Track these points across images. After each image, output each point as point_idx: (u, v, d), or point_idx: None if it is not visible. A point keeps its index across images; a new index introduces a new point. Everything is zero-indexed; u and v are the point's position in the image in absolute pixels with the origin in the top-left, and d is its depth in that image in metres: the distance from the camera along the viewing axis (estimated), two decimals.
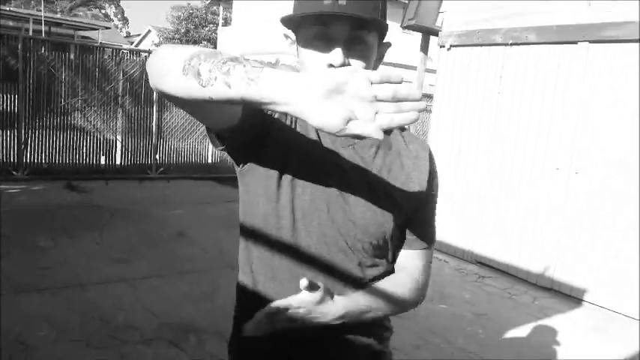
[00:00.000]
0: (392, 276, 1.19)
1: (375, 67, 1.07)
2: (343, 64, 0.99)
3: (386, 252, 1.18)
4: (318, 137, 1.11)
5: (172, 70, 0.83)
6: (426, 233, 1.22)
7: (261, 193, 1.10)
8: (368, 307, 1.09)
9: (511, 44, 5.60)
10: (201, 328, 3.70)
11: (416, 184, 1.16)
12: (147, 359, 3.30)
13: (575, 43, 5.06)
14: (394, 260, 1.22)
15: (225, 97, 0.78)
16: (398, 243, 1.20)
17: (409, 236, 1.20)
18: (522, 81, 5.54)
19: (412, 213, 1.17)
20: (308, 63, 1.04)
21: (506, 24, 5.66)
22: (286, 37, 1.12)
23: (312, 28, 1.03)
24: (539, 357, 3.89)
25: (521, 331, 4.30)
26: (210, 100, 0.80)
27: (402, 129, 1.22)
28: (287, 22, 1.06)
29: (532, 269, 5.45)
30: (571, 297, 5.13)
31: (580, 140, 5.08)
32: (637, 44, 4.62)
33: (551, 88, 5.28)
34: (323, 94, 0.71)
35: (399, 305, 1.17)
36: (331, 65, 0.99)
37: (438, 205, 1.26)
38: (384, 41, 1.12)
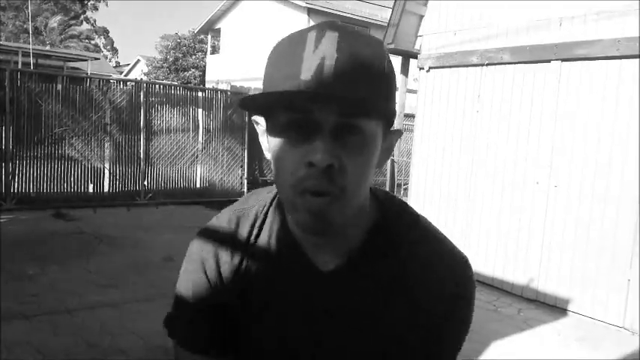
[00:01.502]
0: None
1: (380, 163, 0.81)
2: (331, 166, 0.70)
3: None
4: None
5: None
6: None
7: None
8: None
9: (487, 64, 5.77)
10: None
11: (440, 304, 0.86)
12: None
13: (548, 61, 5.23)
14: None
15: None
16: None
17: None
18: (499, 99, 5.70)
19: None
20: (282, 161, 0.75)
21: (481, 45, 5.84)
22: (256, 123, 0.85)
23: (285, 114, 0.73)
24: None
25: (506, 342, 4.35)
26: None
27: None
28: (251, 105, 0.77)
29: (517, 281, 5.53)
30: (556, 307, 5.20)
31: (557, 154, 5.21)
32: (604, 61, 4.81)
33: (527, 105, 5.44)
34: None
35: None
36: (311, 164, 0.70)
37: None
38: (393, 129, 0.82)
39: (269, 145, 0.79)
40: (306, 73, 0.70)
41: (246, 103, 0.74)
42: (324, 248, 0.83)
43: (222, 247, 0.88)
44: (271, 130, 0.77)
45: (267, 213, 0.89)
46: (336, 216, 0.74)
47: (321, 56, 0.70)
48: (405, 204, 0.91)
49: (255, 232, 0.88)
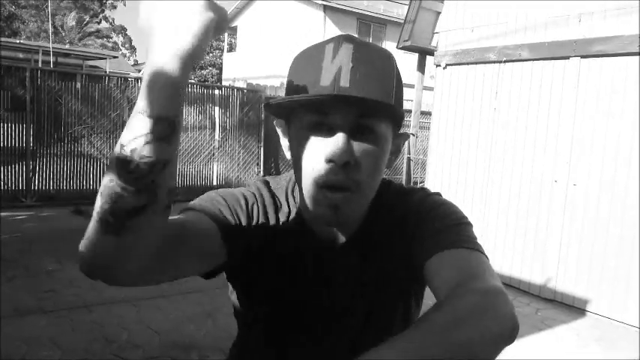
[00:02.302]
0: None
1: (390, 163, 0.90)
2: (347, 163, 0.80)
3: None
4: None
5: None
6: (446, 238, 0.86)
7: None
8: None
9: (505, 61, 5.71)
10: (203, 346, 3.76)
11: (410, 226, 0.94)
12: None
13: (566, 58, 5.16)
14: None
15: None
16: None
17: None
18: (517, 96, 5.64)
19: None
20: (303, 158, 0.83)
21: (499, 42, 5.78)
22: (277, 126, 0.94)
23: (307, 116, 0.82)
24: None
25: (524, 342, 4.31)
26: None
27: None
28: (275, 109, 0.86)
29: (535, 281, 5.48)
30: (574, 307, 5.14)
31: (576, 152, 5.14)
32: (624, 57, 4.73)
33: (546, 103, 5.37)
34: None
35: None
36: (330, 160, 0.80)
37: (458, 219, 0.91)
38: (401, 132, 0.93)
39: (290, 144, 0.89)
40: (326, 80, 0.81)
41: (271, 107, 0.83)
42: (330, 230, 0.94)
43: (269, 200, 0.98)
44: (294, 131, 0.87)
45: (287, 195, 0.99)
46: (352, 210, 0.85)
47: (338, 65, 0.81)
48: (390, 181, 1.02)
49: (282, 205, 0.98)
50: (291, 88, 0.85)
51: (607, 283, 4.91)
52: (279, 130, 0.94)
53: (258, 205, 0.95)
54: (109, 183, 0.65)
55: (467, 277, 0.76)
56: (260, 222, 0.94)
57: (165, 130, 0.63)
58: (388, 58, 0.87)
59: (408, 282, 0.96)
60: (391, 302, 0.96)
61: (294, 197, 0.98)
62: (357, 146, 0.81)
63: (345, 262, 0.94)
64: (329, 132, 0.81)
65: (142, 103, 0.62)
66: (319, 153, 0.81)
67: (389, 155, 0.88)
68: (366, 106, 0.80)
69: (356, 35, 16.82)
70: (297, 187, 0.94)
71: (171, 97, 0.63)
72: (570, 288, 5.20)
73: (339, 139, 0.80)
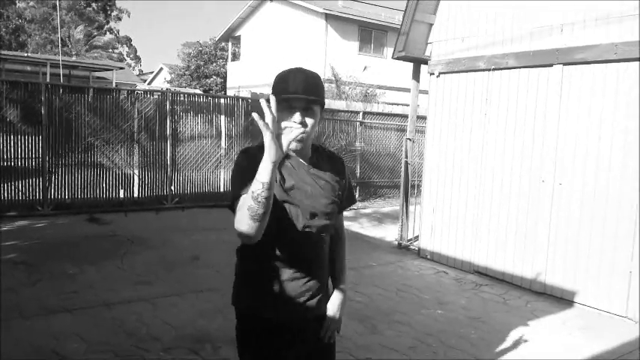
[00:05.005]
0: (340, 242, 2.17)
1: (319, 121, 1.91)
2: (301, 122, 1.77)
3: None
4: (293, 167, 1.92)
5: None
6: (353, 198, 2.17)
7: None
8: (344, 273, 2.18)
9: (493, 69, 6.06)
10: (216, 338, 4.10)
11: (341, 172, 2.03)
12: None
13: (550, 65, 5.50)
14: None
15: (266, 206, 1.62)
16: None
17: (344, 202, 2.07)
18: (506, 102, 5.98)
19: (344, 190, 2.03)
20: (281, 120, 1.72)
21: (488, 51, 6.13)
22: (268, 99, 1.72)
23: (283, 104, 1.77)
24: (526, 352, 4.22)
25: (512, 332, 4.63)
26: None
27: (319, 147, 2.05)
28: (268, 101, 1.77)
29: (525, 275, 5.80)
30: (562, 299, 5.45)
31: (561, 153, 5.47)
32: (602, 64, 5.07)
33: (532, 107, 5.71)
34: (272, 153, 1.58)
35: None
36: (294, 122, 1.76)
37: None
38: (325, 107, 2.05)
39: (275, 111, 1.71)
40: (292, 88, 1.78)
41: (257, 104, 1.98)
42: (297, 158, 1.91)
43: (258, 153, 1.69)
44: (278, 107, 1.66)
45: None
46: (305, 142, 1.86)
47: (296, 82, 1.79)
48: (321, 145, 2.10)
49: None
50: (277, 90, 1.79)
51: (593, 276, 5.23)
52: (257, 114, 1.64)
53: (257, 157, 1.66)
54: (252, 204, 1.60)
55: (343, 226, 2.21)
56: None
57: (267, 186, 1.58)
58: (318, 77, 1.87)
59: (338, 191, 1.98)
60: (333, 196, 1.96)
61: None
62: (306, 116, 1.79)
63: (309, 172, 1.91)
64: (292, 109, 1.78)
65: (260, 176, 1.58)
66: (289, 117, 1.77)
67: (318, 120, 1.87)
68: (308, 100, 1.79)
69: (357, 42, 17.09)
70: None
71: (270, 174, 1.57)
72: (559, 281, 5.52)
73: (297, 112, 1.78)
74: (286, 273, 1.88)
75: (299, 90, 1.75)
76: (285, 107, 1.75)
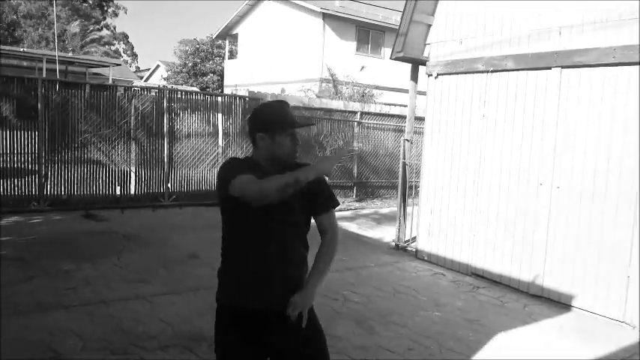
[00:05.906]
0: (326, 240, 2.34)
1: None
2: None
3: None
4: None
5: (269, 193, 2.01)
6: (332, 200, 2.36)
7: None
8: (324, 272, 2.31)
9: (492, 71, 6.07)
10: (212, 336, 4.07)
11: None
12: None
13: (548, 68, 5.52)
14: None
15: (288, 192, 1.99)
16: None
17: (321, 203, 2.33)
18: (504, 104, 5.99)
19: (313, 196, 2.25)
20: (285, 144, 2.22)
21: (486, 53, 6.14)
22: (260, 132, 2.23)
23: (286, 131, 2.22)
24: (522, 355, 4.23)
25: (509, 334, 4.64)
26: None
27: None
28: (273, 127, 2.26)
29: (523, 278, 5.81)
30: (560, 303, 5.46)
31: (559, 156, 5.48)
32: (600, 68, 5.09)
33: (530, 110, 5.72)
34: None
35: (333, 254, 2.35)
36: (296, 144, 2.25)
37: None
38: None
39: (270, 140, 2.18)
40: (292, 120, 2.23)
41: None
42: (273, 167, 2.19)
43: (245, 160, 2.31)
44: (278, 136, 2.19)
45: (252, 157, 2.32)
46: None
47: (291, 113, 2.26)
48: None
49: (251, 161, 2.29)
50: (277, 120, 2.19)
51: (590, 280, 5.24)
52: (260, 135, 2.19)
53: (247, 162, 2.22)
54: (268, 188, 1.98)
55: (333, 226, 2.34)
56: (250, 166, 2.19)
57: (290, 186, 1.97)
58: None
59: (305, 201, 2.23)
60: (299, 206, 2.22)
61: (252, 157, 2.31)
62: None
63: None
64: (290, 137, 2.20)
65: (291, 178, 1.96)
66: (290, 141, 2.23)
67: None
68: (302, 126, 2.65)
69: (355, 42, 17.14)
70: (254, 154, 2.28)
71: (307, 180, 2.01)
72: (557, 285, 5.53)
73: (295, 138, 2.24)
74: (251, 266, 2.20)
75: (296, 121, 2.24)
76: (287, 134, 2.20)
